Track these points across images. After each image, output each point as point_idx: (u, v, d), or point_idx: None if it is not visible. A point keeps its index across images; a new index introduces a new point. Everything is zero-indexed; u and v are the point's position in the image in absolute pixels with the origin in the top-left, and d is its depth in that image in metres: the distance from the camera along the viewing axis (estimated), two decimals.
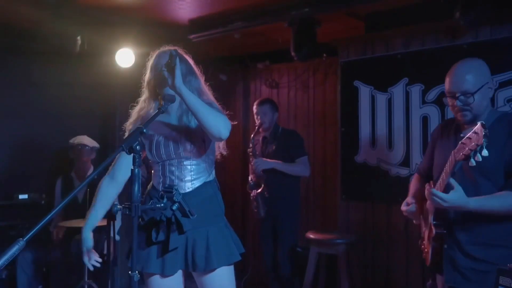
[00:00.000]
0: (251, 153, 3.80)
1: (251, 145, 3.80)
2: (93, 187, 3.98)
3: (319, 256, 3.49)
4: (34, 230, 1.54)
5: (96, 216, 2.26)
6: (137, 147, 1.83)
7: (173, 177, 2.18)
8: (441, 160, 2.11)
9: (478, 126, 1.74)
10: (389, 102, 3.60)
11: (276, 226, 3.85)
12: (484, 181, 1.98)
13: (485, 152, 1.71)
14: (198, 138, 2.17)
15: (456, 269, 2.02)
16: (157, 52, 2.22)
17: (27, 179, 4.42)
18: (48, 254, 4.03)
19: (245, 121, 5.10)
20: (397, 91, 3.56)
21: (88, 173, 4.19)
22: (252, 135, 3.88)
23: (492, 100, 3.11)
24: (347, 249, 3.38)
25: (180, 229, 2.09)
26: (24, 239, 1.51)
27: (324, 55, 4.29)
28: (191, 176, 2.19)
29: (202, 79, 2.29)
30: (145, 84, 2.26)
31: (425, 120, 3.43)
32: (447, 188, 1.92)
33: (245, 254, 2.32)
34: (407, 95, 3.51)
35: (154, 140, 2.20)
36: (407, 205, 2.30)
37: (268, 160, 3.77)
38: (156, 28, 4.27)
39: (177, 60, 2.01)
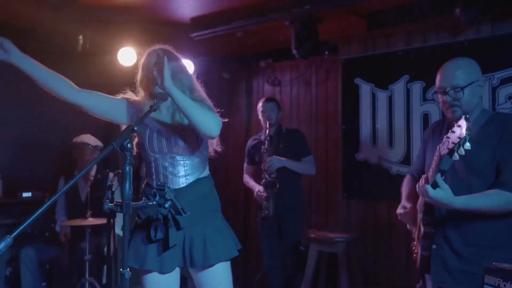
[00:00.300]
0: (266, 151, 3.75)
1: (266, 142, 3.74)
2: (94, 187, 4.05)
3: (320, 254, 3.48)
4: (20, 228, 1.55)
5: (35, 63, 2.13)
6: (128, 144, 1.84)
7: (167, 173, 2.18)
8: (431, 160, 2.07)
9: (461, 120, 1.73)
10: (390, 99, 3.57)
11: (282, 224, 3.83)
12: (476, 180, 1.97)
13: (467, 146, 1.70)
14: (191, 135, 2.17)
15: (445, 269, 1.99)
16: (147, 50, 2.21)
17: (30, 177, 4.45)
18: (52, 252, 4.07)
19: (247, 119, 5.09)
20: (398, 88, 3.53)
21: (91, 172, 4.21)
22: (267, 134, 3.79)
23: (493, 97, 3.08)
24: (347, 247, 3.36)
25: (177, 226, 2.10)
26: (11, 236, 1.53)
27: (326, 52, 4.27)
28: (185, 171, 2.19)
29: (194, 76, 2.28)
30: (138, 83, 2.26)
31: (425, 117, 3.40)
32: (433, 186, 1.90)
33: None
34: (408, 93, 3.48)
35: (147, 134, 2.20)
36: (404, 209, 2.28)
37: (282, 158, 3.76)
38: (158, 27, 4.28)
39: (165, 60, 2.02)
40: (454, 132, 1.78)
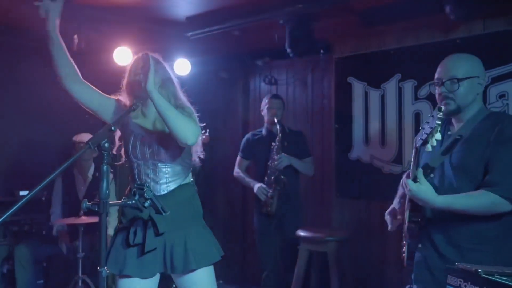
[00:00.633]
0: (275, 148, 3.72)
1: (277, 139, 3.70)
2: (92, 185, 4.08)
3: (311, 253, 3.48)
4: None
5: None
6: (106, 144, 1.86)
7: (149, 180, 2.22)
8: (425, 159, 2.05)
9: (435, 110, 1.72)
10: (382, 98, 3.56)
11: (281, 222, 3.81)
12: (463, 180, 1.93)
13: (438, 136, 1.69)
14: (173, 142, 2.18)
15: (428, 269, 1.97)
16: (135, 56, 2.26)
17: (28, 176, 4.49)
18: (49, 250, 4.11)
19: (244, 117, 5.10)
20: (390, 87, 3.52)
21: (90, 171, 4.25)
22: (278, 132, 3.73)
23: (484, 95, 3.05)
24: (338, 247, 3.36)
25: (156, 231, 2.12)
26: None
27: (322, 51, 4.25)
28: (166, 178, 2.22)
29: (178, 85, 2.31)
30: (123, 87, 2.29)
31: (417, 116, 3.39)
32: (414, 180, 1.89)
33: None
34: (400, 91, 3.46)
35: (131, 141, 2.24)
36: (391, 215, 2.23)
37: (290, 156, 3.74)
38: (153, 26, 4.29)
39: (152, 64, 2.06)
40: (428, 122, 1.76)
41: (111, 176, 4.20)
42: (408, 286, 2.27)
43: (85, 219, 3.58)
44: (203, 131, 3.67)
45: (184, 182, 2.26)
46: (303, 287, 3.50)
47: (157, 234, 2.12)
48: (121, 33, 4.24)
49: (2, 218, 1.63)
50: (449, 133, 2.02)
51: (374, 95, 3.60)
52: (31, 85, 4.58)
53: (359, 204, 3.68)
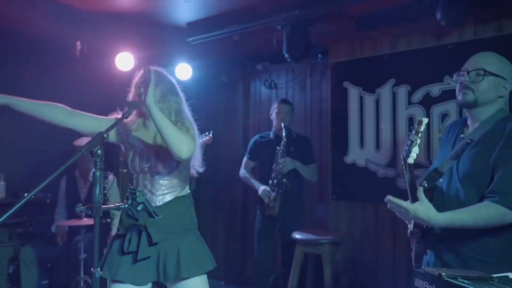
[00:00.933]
0: (280, 152, 3.78)
1: (283, 143, 3.77)
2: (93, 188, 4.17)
3: (306, 255, 3.54)
4: None
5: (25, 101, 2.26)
6: (98, 151, 1.95)
7: (146, 191, 2.30)
8: (436, 163, 1.99)
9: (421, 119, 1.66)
10: (377, 103, 3.61)
11: (282, 224, 3.87)
12: (469, 187, 1.81)
13: (415, 149, 1.64)
14: (170, 156, 2.23)
15: None
16: (141, 70, 2.34)
17: (33, 178, 4.59)
18: (52, 251, 4.21)
19: (245, 121, 5.17)
20: (384, 92, 3.56)
21: (90, 174, 4.35)
22: (284, 137, 3.78)
23: None
24: (332, 249, 3.41)
25: (150, 240, 2.20)
26: None
27: (319, 56, 4.32)
28: (163, 190, 2.30)
29: (183, 100, 2.38)
30: (130, 100, 2.35)
31: (411, 121, 3.43)
32: (414, 200, 1.79)
33: None
34: (394, 96, 3.51)
35: (131, 154, 2.33)
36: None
37: (293, 160, 3.80)
38: (155, 32, 4.38)
39: (152, 78, 2.15)
40: (411, 132, 1.71)
41: (114, 180, 4.30)
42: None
43: (86, 221, 3.67)
44: (206, 133, 3.79)
45: (180, 194, 2.33)
46: None
47: (151, 243, 2.21)
48: (123, 39, 4.34)
49: (1, 219, 1.71)
50: (461, 135, 1.94)
51: (369, 99, 3.65)
52: (37, 90, 4.68)
53: (354, 207, 3.74)
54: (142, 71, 2.33)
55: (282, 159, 3.75)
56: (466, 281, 1.26)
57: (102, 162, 1.99)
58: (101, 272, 1.98)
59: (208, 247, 2.37)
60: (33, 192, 1.83)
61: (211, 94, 5.16)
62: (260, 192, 3.87)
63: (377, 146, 3.61)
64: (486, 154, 1.78)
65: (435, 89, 3.30)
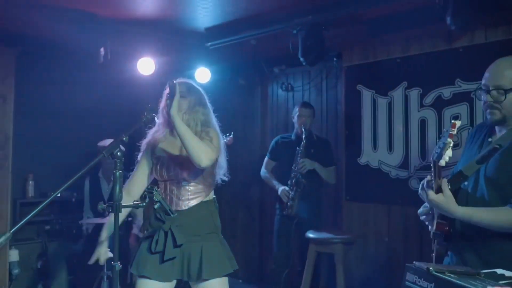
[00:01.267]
0: (300, 153, 3.89)
1: (302, 144, 3.87)
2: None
3: (319, 254, 3.63)
4: (19, 225, 1.82)
5: (110, 226, 2.49)
6: (118, 153, 2.10)
7: (173, 195, 2.46)
8: (461, 164, 1.98)
9: (454, 122, 1.66)
10: (389, 105, 3.67)
11: (303, 225, 3.94)
12: (493, 194, 1.81)
13: (449, 152, 1.63)
14: None
15: None
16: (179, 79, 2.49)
17: (60, 178, 4.81)
18: (78, 247, 4.41)
19: (262, 123, 5.29)
20: (397, 95, 3.63)
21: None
22: (304, 138, 3.89)
23: None
24: (345, 248, 3.49)
25: (175, 242, 2.37)
26: (11, 231, 1.79)
27: (335, 59, 4.40)
28: (188, 196, 2.45)
29: (211, 111, 2.53)
30: (160, 110, 2.50)
31: (423, 123, 3.49)
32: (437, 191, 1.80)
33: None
34: (406, 99, 3.57)
35: (160, 161, 2.49)
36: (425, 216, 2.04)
37: (312, 161, 3.91)
38: (175, 37, 4.53)
39: (177, 90, 2.30)
40: (442, 137, 1.70)
41: None
42: None
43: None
44: (227, 134, 3.93)
45: (205, 199, 2.47)
46: (311, 287, 3.65)
47: (175, 245, 2.36)
48: (144, 45, 4.50)
49: (28, 217, 1.87)
50: (489, 139, 1.93)
51: (382, 102, 3.72)
52: (65, 94, 4.91)
53: (367, 207, 3.81)
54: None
55: (301, 159, 3.86)
56: (452, 275, 1.34)
57: (121, 163, 2.13)
58: (130, 269, 2.18)
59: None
60: (58, 192, 1.99)
61: (229, 97, 5.29)
62: (279, 192, 3.99)
63: (390, 147, 3.68)
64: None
65: (447, 92, 3.36)
